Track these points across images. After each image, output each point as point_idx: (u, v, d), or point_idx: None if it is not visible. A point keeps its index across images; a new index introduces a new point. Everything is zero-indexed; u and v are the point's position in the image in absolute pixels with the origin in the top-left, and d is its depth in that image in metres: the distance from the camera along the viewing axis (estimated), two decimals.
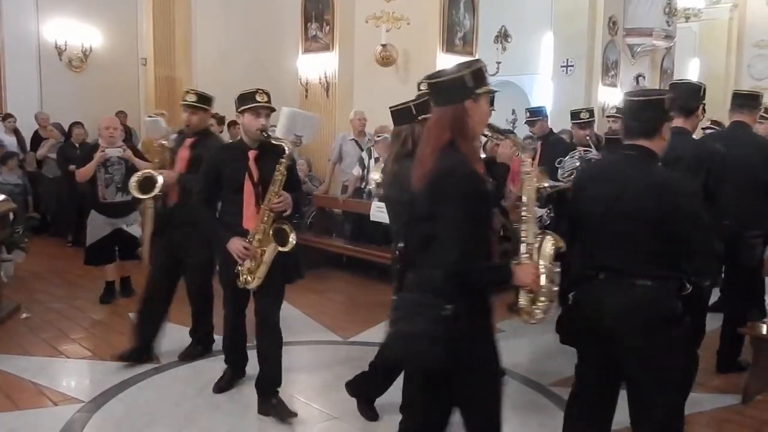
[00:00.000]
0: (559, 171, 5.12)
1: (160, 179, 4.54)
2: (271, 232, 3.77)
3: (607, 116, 6.99)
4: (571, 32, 13.33)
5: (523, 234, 2.65)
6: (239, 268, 3.81)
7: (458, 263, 2.34)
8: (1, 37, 10.17)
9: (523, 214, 2.67)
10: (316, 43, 9.51)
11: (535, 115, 6.35)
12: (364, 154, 7.52)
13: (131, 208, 5.92)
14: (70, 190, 8.35)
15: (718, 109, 8.80)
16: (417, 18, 9.18)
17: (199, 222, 4.18)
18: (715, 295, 5.56)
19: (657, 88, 15.64)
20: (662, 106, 2.75)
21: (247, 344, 4.33)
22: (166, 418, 3.92)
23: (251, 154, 3.85)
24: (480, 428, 2.62)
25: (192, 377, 4.53)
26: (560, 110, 10.56)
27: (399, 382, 3.76)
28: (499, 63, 13.65)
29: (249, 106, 3.81)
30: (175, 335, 4.90)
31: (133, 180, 4.64)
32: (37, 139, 10.01)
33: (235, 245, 3.75)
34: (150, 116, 4.60)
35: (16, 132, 9.79)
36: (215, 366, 4.45)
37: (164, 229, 4.70)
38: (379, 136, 7.61)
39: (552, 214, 3.82)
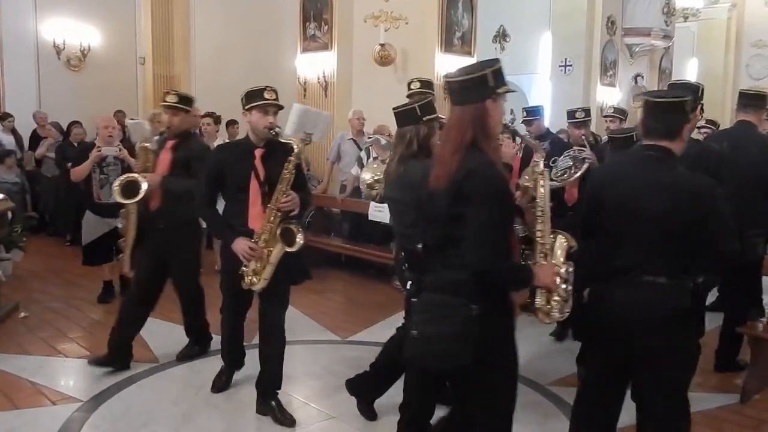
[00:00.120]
0: (553, 170, 5.13)
1: (145, 184, 4.36)
2: (278, 232, 3.70)
3: (605, 116, 7.00)
4: (570, 32, 13.35)
5: (538, 234, 2.66)
6: (244, 269, 3.73)
7: (485, 263, 2.35)
8: None
9: (539, 213, 2.68)
10: (315, 43, 9.51)
11: (532, 114, 6.36)
12: (363, 154, 7.51)
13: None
14: (68, 189, 8.34)
15: (716, 108, 8.83)
16: (415, 17, 9.19)
17: (207, 223, 4.16)
18: (712, 295, 5.59)
19: (656, 88, 15.71)
20: (685, 108, 2.76)
21: (245, 343, 4.33)
22: (164, 418, 3.91)
23: (258, 152, 3.76)
24: (493, 428, 2.63)
25: (190, 377, 4.53)
26: (559, 110, 10.59)
27: (398, 381, 3.77)
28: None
29: (257, 103, 3.70)
30: (173, 335, 4.90)
31: (116, 184, 4.45)
32: (35, 138, 10.00)
33: (241, 245, 3.68)
34: (132, 119, 4.46)
35: (13, 131, 9.78)
36: (213, 365, 4.45)
37: (148, 233, 4.55)
38: (369, 137, 7.61)
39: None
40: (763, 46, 18.38)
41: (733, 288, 4.94)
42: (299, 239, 3.72)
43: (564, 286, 2.63)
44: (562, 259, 2.68)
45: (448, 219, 2.43)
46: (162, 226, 4.45)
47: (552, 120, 11.67)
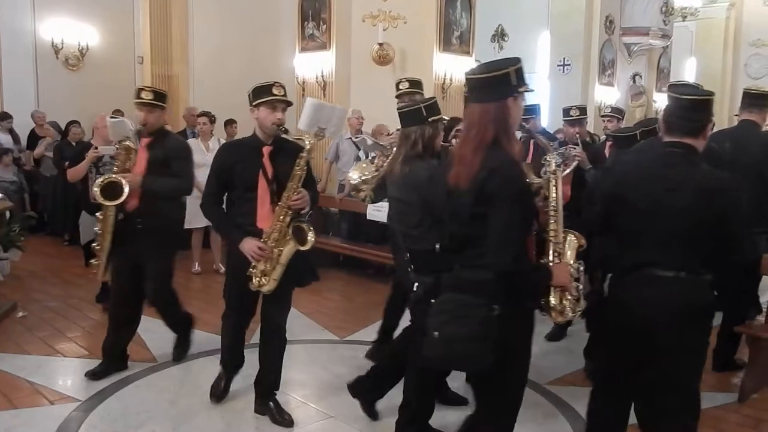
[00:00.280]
0: (543, 168, 5.11)
1: (126, 187, 4.17)
2: (290, 231, 3.62)
3: (602, 116, 7.00)
4: (568, 31, 13.34)
5: (551, 233, 2.66)
6: (252, 270, 3.64)
7: (509, 264, 2.35)
8: None
9: (552, 213, 2.68)
10: (313, 42, 9.50)
11: (529, 113, 6.34)
12: (361, 153, 7.52)
13: None
14: (66, 188, 8.34)
15: (714, 108, 8.80)
16: (414, 17, 9.18)
17: (213, 222, 4.07)
18: None
19: (654, 88, 15.72)
20: (710, 106, 2.78)
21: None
22: (162, 417, 3.91)
23: (266, 150, 3.67)
24: (498, 427, 2.65)
25: (188, 376, 4.53)
26: (557, 109, 10.56)
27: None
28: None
29: (265, 99, 3.61)
30: (171, 335, 4.88)
31: (96, 187, 4.22)
32: (33, 138, 9.99)
33: (249, 245, 3.58)
34: (113, 116, 4.26)
35: (11, 131, 9.77)
36: (211, 365, 4.44)
37: (123, 234, 4.34)
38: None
39: None
40: (761, 45, 18.37)
41: (731, 287, 4.94)
42: (311, 237, 3.62)
43: (575, 284, 2.65)
44: (572, 259, 2.69)
45: (469, 219, 2.43)
46: (140, 227, 4.30)
47: (550, 119, 11.70)
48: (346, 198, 7.65)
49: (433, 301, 2.63)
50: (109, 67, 10.97)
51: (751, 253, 2.85)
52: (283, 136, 3.67)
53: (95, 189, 4.23)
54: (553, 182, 2.72)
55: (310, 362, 4.88)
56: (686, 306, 2.65)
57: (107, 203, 4.21)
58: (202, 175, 7.18)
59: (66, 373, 4.71)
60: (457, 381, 4.11)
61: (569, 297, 2.64)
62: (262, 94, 3.62)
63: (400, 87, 4.90)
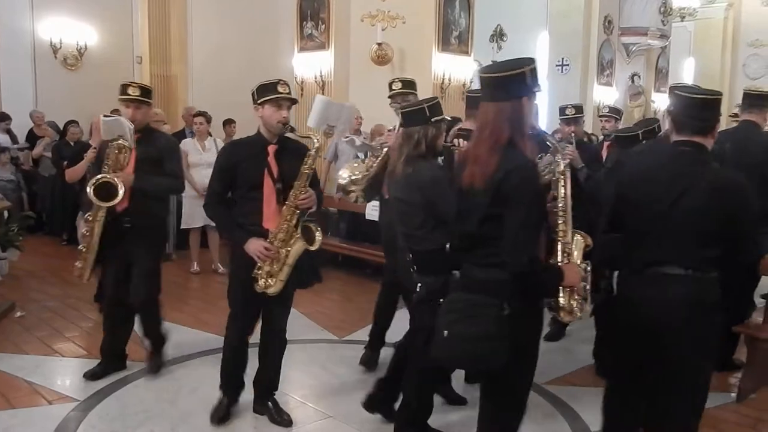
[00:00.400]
0: (546, 167, 5.10)
1: (122, 189, 4.05)
2: (299, 230, 3.54)
3: (600, 116, 7.01)
4: (567, 31, 13.36)
5: (560, 233, 2.67)
6: (257, 272, 3.55)
7: (525, 264, 2.36)
8: None
9: (560, 213, 2.70)
10: (312, 42, 9.51)
11: None
12: (361, 153, 7.52)
13: None
14: (64, 188, 8.33)
15: None
16: (412, 17, 9.19)
17: (216, 223, 3.99)
18: None
19: (652, 88, 15.74)
20: (719, 105, 2.80)
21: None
22: (161, 417, 3.91)
23: (271, 149, 3.59)
24: (503, 426, 2.66)
25: (187, 376, 4.52)
26: (555, 109, 10.56)
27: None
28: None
29: (270, 97, 3.52)
30: (171, 334, 4.88)
31: (89, 186, 4.07)
32: (32, 138, 9.98)
33: (255, 246, 3.49)
34: (107, 115, 4.02)
35: (9, 132, 9.76)
36: (210, 364, 4.44)
37: (111, 235, 4.21)
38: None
39: None
40: (759, 45, 18.40)
41: (737, 286, 4.94)
42: (319, 237, 3.58)
43: (583, 284, 2.67)
44: (579, 259, 2.71)
45: (483, 219, 2.43)
46: (130, 226, 4.19)
47: (549, 119, 11.70)
48: (344, 198, 7.63)
49: (441, 300, 2.64)
50: (107, 66, 10.95)
51: (756, 253, 2.85)
52: (289, 134, 3.63)
53: (88, 189, 4.09)
54: (562, 182, 2.73)
55: (309, 362, 4.88)
56: (696, 304, 2.66)
57: (103, 204, 4.09)
58: (197, 174, 7.33)
59: (64, 372, 4.70)
60: (456, 381, 4.11)
61: (577, 297, 2.65)
62: (267, 92, 3.55)
63: (393, 87, 4.79)
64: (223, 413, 3.87)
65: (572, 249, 2.68)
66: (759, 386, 4.40)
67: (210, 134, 7.91)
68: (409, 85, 4.77)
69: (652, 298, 2.69)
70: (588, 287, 2.69)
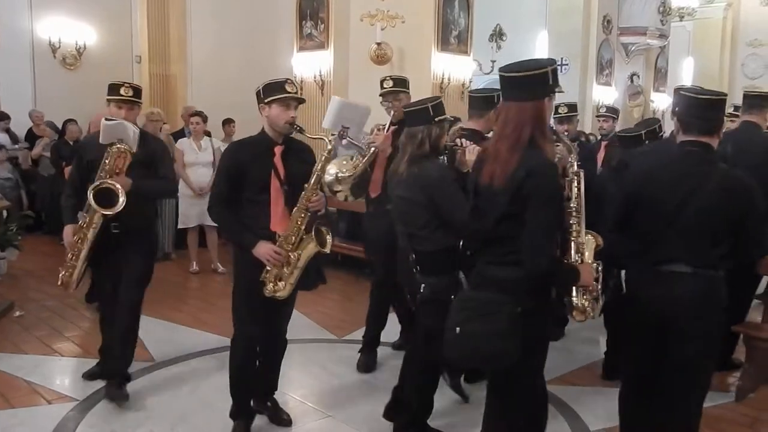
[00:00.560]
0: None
1: (122, 196, 3.87)
2: (312, 233, 3.45)
3: (598, 116, 7.01)
4: (566, 31, 13.37)
5: (574, 233, 2.68)
6: (265, 275, 3.43)
7: (544, 264, 2.37)
8: None
9: (574, 213, 2.72)
10: (311, 42, 9.51)
11: None
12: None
13: None
14: (64, 188, 8.31)
15: None
16: (412, 16, 9.19)
17: (222, 226, 3.88)
18: None
19: (651, 88, 15.74)
20: (724, 105, 2.84)
21: None
22: (160, 417, 3.90)
23: (278, 150, 3.48)
24: (513, 425, 2.67)
25: (186, 376, 4.52)
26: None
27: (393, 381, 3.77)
28: (494, 62, 13.67)
29: (278, 96, 3.40)
30: (170, 334, 4.89)
31: (90, 191, 3.87)
32: (31, 137, 9.97)
33: (264, 249, 3.37)
34: (108, 118, 3.85)
35: (8, 131, 9.75)
36: (210, 364, 4.44)
37: (108, 242, 4.04)
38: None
39: None
40: (758, 45, 18.42)
41: (741, 285, 4.94)
42: (330, 239, 3.54)
43: (595, 284, 2.70)
44: (590, 258, 2.74)
45: (501, 217, 2.44)
46: (122, 229, 4.02)
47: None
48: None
49: (445, 300, 2.65)
50: (106, 66, 10.91)
51: (758, 253, 2.88)
52: (297, 134, 3.54)
53: (89, 194, 3.89)
54: (575, 182, 2.74)
55: (309, 362, 4.87)
56: (704, 302, 2.68)
57: (105, 212, 3.88)
58: (193, 173, 7.33)
59: (63, 372, 4.70)
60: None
61: (588, 296, 2.66)
62: (274, 91, 3.43)
63: (385, 85, 4.68)
64: None
65: (584, 248, 2.70)
66: (757, 385, 4.40)
67: (208, 134, 7.91)
68: (400, 83, 4.71)
69: (661, 297, 2.70)
70: (599, 286, 2.71)
